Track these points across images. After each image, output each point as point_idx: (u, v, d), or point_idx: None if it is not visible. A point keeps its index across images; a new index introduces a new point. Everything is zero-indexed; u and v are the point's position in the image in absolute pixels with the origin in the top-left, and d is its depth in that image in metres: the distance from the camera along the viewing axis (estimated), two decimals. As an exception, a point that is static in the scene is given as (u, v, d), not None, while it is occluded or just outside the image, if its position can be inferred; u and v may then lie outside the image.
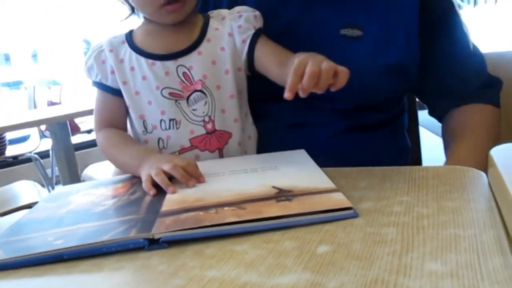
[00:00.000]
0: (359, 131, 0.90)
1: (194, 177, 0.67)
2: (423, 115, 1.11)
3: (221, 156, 0.81)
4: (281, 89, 0.64)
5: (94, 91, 0.86)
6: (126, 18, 0.83)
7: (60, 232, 0.59)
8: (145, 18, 0.82)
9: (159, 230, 0.54)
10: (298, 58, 0.63)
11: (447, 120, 0.97)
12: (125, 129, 0.87)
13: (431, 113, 1.01)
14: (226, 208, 0.57)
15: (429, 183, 0.64)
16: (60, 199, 0.74)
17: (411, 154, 1.03)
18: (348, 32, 0.87)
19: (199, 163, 0.77)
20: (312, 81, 0.60)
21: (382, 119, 0.93)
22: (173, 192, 0.64)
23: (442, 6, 0.94)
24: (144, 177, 0.69)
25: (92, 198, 0.71)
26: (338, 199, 0.57)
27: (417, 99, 1.11)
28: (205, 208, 0.58)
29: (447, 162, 0.86)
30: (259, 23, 0.82)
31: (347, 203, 0.56)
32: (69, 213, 0.67)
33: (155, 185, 0.67)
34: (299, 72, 0.61)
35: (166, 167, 0.67)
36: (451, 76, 0.94)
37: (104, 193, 0.72)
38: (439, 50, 0.92)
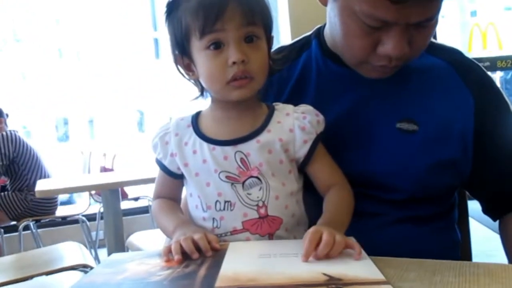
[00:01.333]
0: (410, 222, 0.91)
1: (203, 250, 0.75)
2: (472, 205, 1.10)
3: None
4: None
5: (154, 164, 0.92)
6: (195, 99, 0.88)
7: (117, 299, 0.62)
8: (212, 100, 0.86)
9: (214, 305, 0.56)
10: (313, 227, 0.73)
11: (506, 223, 0.96)
12: (178, 202, 0.93)
13: (485, 212, 1.00)
14: (277, 290, 0.59)
15: (480, 280, 0.63)
16: (116, 266, 0.77)
17: (461, 247, 1.02)
18: (404, 126, 0.90)
19: (251, 243, 0.80)
20: (326, 249, 0.69)
21: (434, 212, 0.93)
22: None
23: (497, 104, 0.95)
24: (173, 244, 0.77)
25: (147, 268, 0.74)
26: (387, 292, 0.58)
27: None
28: (257, 288, 0.60)
29: None
30: (321, 128, 0.85)
31: (396, 297, 0.57)
32: (125, 280, 0.70)
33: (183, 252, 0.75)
34: (315, 241, 0.70)
35: (181, 238, 0.76)
36: (505, 178, 0.94)
37: (159, 263, 0.75)
38: (493, 149, 0.93)
